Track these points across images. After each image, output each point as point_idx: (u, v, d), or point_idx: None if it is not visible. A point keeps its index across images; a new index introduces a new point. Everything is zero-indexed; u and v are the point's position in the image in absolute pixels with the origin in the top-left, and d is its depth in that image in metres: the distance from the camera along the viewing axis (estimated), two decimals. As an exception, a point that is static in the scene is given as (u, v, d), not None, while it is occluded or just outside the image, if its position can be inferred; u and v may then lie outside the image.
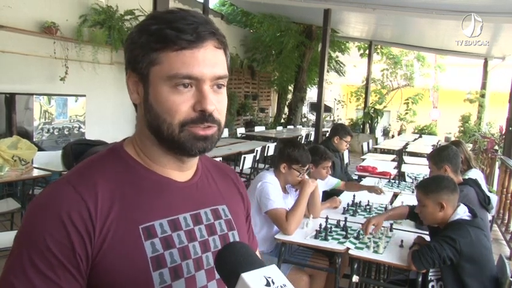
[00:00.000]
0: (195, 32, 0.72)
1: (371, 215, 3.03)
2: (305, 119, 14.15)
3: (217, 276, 0.81)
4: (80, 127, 6.12)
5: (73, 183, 0.72)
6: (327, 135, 4.53)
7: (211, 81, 0.75)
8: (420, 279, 2.18)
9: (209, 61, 0.74)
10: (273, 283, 0.60)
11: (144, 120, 0.78)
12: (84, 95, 6.16)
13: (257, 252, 1.06)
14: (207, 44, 0.74)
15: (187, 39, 0.72)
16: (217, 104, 0.76)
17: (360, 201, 3.27)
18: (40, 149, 4.72)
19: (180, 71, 0.72)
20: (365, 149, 8.32)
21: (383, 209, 3.19)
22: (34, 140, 5.24)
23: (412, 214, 2.45)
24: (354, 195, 3.35)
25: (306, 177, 2.75)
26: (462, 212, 2.17)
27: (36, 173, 3.99)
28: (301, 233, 2.58)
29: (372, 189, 3.41)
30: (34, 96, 5.41)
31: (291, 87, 12.70)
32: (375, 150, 7.81)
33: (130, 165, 0.79)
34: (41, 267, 0.66)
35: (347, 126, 4.70)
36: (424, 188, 2.26)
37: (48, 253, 0.66)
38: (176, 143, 0.75)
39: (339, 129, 4.33)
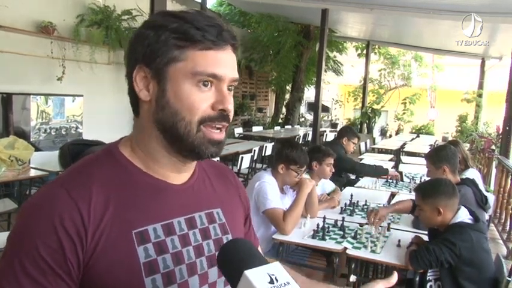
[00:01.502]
0: (219, 35, 0.75)
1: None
2: (303, 119, 14.16)
3: (209, 280, 0.80)
4: (77, 127, 6.10)
5: (66, 186, 0.71)
6: (335, 136, 4.73)
7: (229, 83, 0.77)
8: (417, 278, 2.18)
9: (230, 64, 0.77)
10: (277, 280, 0.59)
11: (154, 118, 0.77)
12: (82, 95, 6.14)
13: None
14: (227, 47, 0.77)
15: (213, 40, 0.74)
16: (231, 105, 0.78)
17: (358, 201, 3.27)
18: (37, 149, 4.70)
19: (205, 69, 0.74)
20: (362, 148, 8.32)
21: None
22: (31, 140, 5.22)
23: (415, 209, 2.44)
24: (352, 195, 3.35)
25: (305, 176, 2.75)
26: (464, 215, 2.15)
27: (33, 173, 3.98)
28: (299, 233, 2.58)
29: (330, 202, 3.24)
30: (31, 96, 5.40)
31: (288, 87, 12.69)
32: (373, 150, 7.82)
33: (125, 166, 0.77)
34: (32, 273, 0.65)
35: (354, 128, 4.93)
36: (422, 192, 2.25)
37: (39, 259, 0.66)
38: (190, 144, 0.75)
39: (347, 131, 4.65)
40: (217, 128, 0.76)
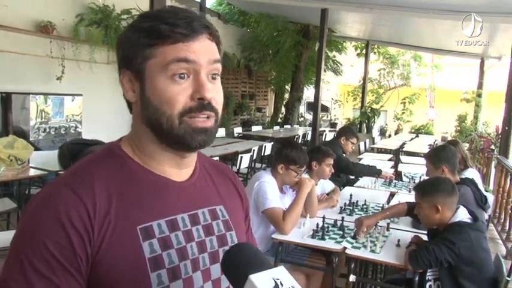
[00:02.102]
0: (189, 26, 0.74)
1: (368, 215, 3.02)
2: (302, 119, 14.15)
3: (212, 277, 0.80)
4: (76, 127, 6.10)
5: (70, 184, 0.71)
6: (334, 136, 4.70)
7: (207, 67, 0.75)
8: (417, 278, 2.18)
9: (204, 50, 0.75)
10: (282, 285, 0.58)
11: (142, 117, 0.78)
12: (81, 95, 6.14)
13: None
14: (201, 37, 0.75)
15: (182, 33, 0.73)
16: (214, 93, 0.76)
17: (357, 201, 3.27)
18: (36, 149, 4.71)
19: (175, 55, 0.73)
20: (362, 148, 8.33)
21: (380, 208, 3.18)
22: (30, 139, 5.21)
23: (412, 211, 2.44)
24: (351, 195, 3.35)
25: (304, 176, 2.75)
26: (463, 214, 2.15)
27: (32, 172, 3.98)
28: (298, 233, 2.58)
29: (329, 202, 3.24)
30: (30, 95, 5.40)
31: (288, 87, 12.69)
32: (372, 150, 7.82)
33: (128, 164, 0.78)
34: (41, 270, 0.65)
35: (354, 128, 4.89)
36: (421, 190, 2.26)
37: (48, 255, 0.66)
38: (176, 136, 0.75)
39: (346, 131, 4.64)
40: (201, 120, 0.76)
